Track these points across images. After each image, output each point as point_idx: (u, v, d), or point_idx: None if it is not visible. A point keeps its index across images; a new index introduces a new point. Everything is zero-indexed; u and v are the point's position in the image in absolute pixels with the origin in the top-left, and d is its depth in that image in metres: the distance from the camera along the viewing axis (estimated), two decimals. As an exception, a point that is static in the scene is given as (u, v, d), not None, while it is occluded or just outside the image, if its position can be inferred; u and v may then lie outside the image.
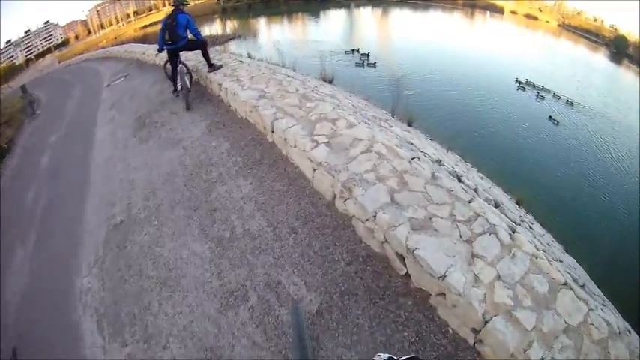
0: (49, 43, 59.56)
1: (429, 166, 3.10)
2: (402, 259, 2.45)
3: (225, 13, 39.80)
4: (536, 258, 2.30)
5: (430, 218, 2.51)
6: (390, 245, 2.51)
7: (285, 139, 3.73)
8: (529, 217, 6.50)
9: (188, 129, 5.16)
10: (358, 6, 47.19)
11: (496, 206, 3.50)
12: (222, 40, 24.01)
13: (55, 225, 4.53)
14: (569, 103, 21.01)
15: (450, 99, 18.22)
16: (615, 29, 61.12)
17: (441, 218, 2.50)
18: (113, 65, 13.27)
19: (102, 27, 62.24)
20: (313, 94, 4.56)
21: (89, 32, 62.22)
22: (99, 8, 62.21)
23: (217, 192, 3.72)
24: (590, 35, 61.79)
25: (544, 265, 2.26)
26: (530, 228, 4.31)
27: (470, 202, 2.67)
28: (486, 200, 3.35)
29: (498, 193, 5.60)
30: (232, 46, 23.63)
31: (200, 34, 5.41)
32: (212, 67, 5.77)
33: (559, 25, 65.24)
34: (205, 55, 5.66)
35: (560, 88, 23.23)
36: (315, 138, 3.47)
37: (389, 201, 2.67)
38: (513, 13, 66.04)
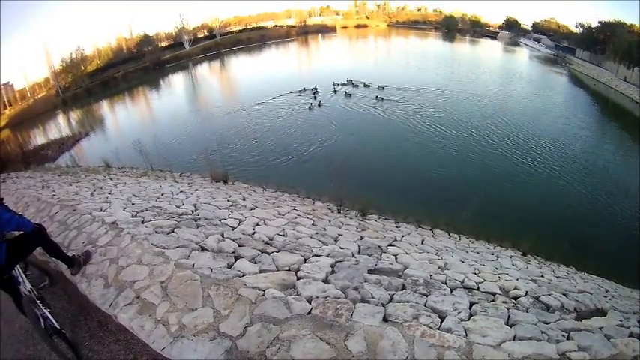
0: None
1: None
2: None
3: (66, 105, 36.41)
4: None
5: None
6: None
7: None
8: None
9: None
10: (195, 64, 46.36)
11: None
12: (71, 142, 20.45)
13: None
14: (380, 87, 24.26)
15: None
16: (440, 12, 72.11)
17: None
18: None
19: None
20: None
21: None
22: None
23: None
24: (419, 24, 72.03)
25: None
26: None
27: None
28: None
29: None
30: (85, 148, 19.20)
31: (26, 222, 2.77)
32: (72, 262, 3.23)
33: (388, 25, 74.72)
34: (51, 249, 3.09)
35: (408, 80, 26.02)
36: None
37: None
38: (345, 27, 72.33)
